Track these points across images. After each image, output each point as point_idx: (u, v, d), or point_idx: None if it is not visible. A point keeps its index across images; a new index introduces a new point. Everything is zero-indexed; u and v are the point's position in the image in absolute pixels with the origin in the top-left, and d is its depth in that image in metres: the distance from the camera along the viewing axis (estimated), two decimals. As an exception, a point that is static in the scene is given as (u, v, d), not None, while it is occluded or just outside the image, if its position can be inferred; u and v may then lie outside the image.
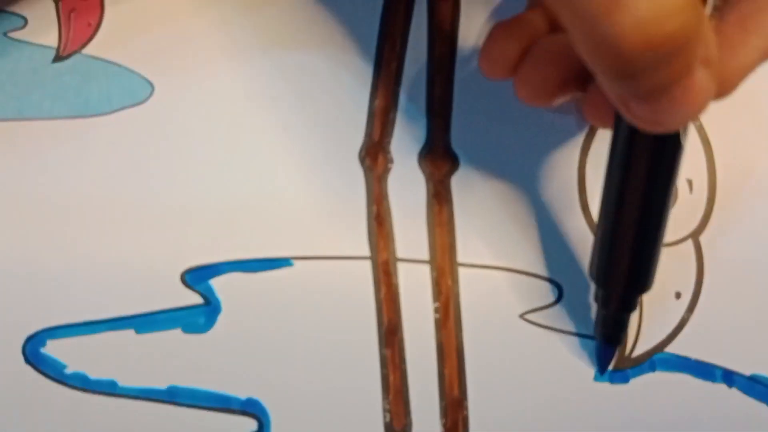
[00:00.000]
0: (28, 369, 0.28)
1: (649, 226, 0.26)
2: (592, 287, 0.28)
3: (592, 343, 0.29)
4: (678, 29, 0.19)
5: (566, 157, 0.30)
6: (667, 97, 0.20)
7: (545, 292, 0.29)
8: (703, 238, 0.30)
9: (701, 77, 0.20)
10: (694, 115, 0.21)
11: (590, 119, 0.27)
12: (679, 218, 0.30)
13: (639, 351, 0.30)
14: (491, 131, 0.30)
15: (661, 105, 0.21)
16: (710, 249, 0.30)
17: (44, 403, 0.28)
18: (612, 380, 0.29)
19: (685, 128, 0.24)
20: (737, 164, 0.31)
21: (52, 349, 0.29)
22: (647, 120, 0.22)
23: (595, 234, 0.27)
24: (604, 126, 0.26)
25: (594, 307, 0.29)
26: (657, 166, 0.25)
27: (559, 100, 0.27)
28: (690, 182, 0.30)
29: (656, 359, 0.30)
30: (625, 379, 0.30)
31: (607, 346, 0.29)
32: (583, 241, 0.30)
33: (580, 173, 0.30)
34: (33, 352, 0.29)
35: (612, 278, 0.27)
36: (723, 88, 0.23)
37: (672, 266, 0.30)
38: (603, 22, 0.19)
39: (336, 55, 0.30)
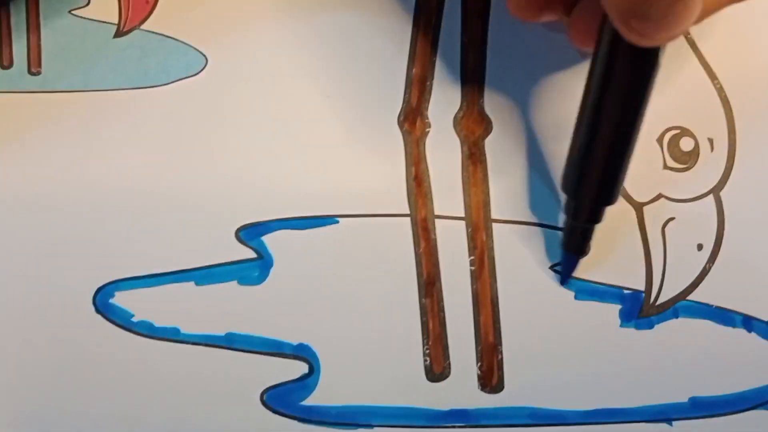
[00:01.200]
0: (99, 318, 0.31)
1: (621, 141, 0.27)
2: (563, 199, 0.30)
3: (619, 291, 0.31)
4: None
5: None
6: (671, 12, 0.23)
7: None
8: (724, 194, 0.32)
9: None
10: (685, 30, 0.24)
11: (575, 40, 0.29)
12: (701, 175, 0.32)
13: (663, 299, 0.32)
14: (523, 95, 0.32)
15: (663, 20, 0.23)
16: (730, 203, 0.32)
17: (113, 349, 0.31)
18: (637, 326, 0.31)
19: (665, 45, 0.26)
20: (755, 123, 0.32)
21: (120, 299, 0.31)
22: (644, 34, 0.24)
23: (569, 148, 0.29)
24: (586, 46, 0.28)
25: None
26: (635, 81, 0.26)
27: (546, 17, 0.29)
28: (711, 141, 0.32)
29: (679, 306, 0.32)
30: (650, 326, 0.32)
31: (572, 255, 0.31)
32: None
33: (606, 134, 0.32)
34: (102, 302, 0.31)
35: (583, 190, 0.29)
36: (702, 14, 0.25)
37: (694, 220, 0.31)
38: None
39: (376, 26, 0.32)
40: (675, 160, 0.32)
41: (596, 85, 0.27)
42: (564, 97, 0.32)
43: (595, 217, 0.30)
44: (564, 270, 0.31)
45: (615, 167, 0.28)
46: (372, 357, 0.31)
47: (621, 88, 0.26)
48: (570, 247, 0.31)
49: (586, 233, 0.30)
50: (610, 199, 0.29)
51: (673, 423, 0.31)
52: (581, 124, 0.28)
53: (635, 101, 0.27)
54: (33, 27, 0.32)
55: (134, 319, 0.31)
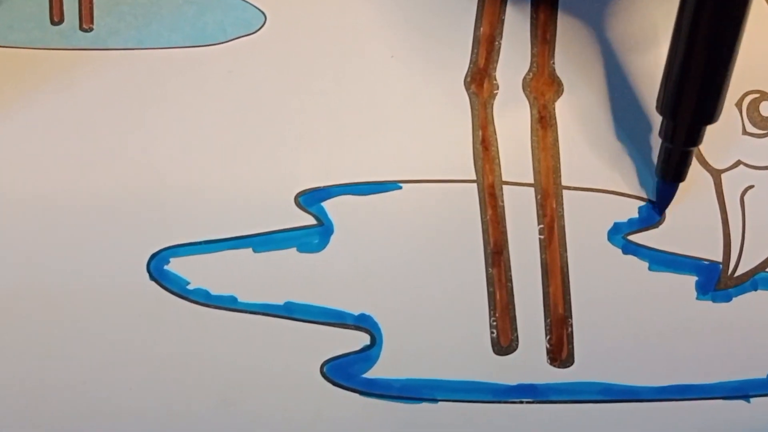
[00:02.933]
0: (153, 285, 0.30)
1: (719, 54, 0.26)
2: (656, 127, 0.29)
3: (695, 262, 0.30)
4: None
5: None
6: None
7: (650, 214, 0.30)
8: (807, 160, 0.30)
9: None
10: None
11: None
12: (783, 140, 0.30)
13: (741, 271, 0.30)
14: (595, 56, 0.30)
15: None
16: (813, 171, 0.30)
17: (168, 317, 0.30)
18: (714, 299, 0.30)
19: None
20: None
21: (176, 266, 0.30)
22: None
23: (665, 67, 0.27)
24: None
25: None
26: None
27: None
28: (793, 105, 0.30)
29: (758, 278, 0.30)
30: (728, 298, 0.30)
31: (669, 183, 0.30)
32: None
33: (683, 98, 0.31)
34: (157, 269, 0.30)
35: (681, 108, 0.27)
36: None
37: (776, 187, 0.30)
38: None
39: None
40: (755, 125, 0.30)
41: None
42: (640, 59, 0.30)
43: (694, 138, 0.28)
44: (660, 200, 0.30)
45: (715, 82, 0.27)
46: (436, 329, 0.30)
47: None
48: (667, 174, 0.29)
49: (685, 158, 0.29)
50: (710, 118, 0.27)
51: (751, 400, 0.30)
52: (679, 37, 0.26)
53: (735, 8, 0.25)
54: (85, -18, 0.31)
55: (190, 287, 0.30)
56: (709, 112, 0.27)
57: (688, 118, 0.27)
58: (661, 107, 0.28)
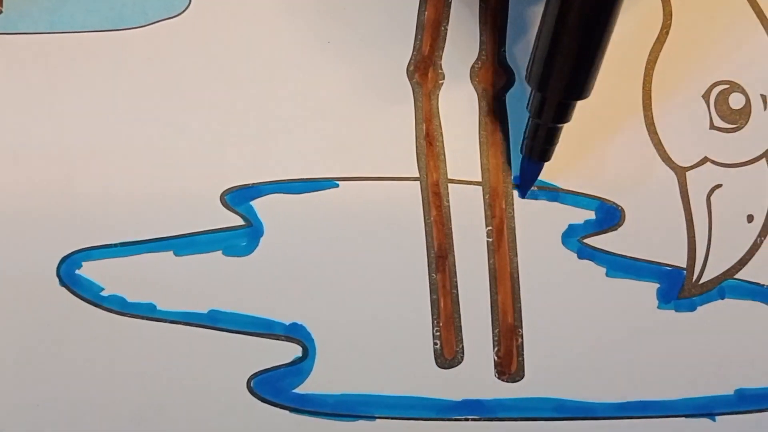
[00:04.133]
0: (63, 291, 0.28)
1: (595, 28, 0.24)
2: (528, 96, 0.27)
3: (657, 268, 0.28)
4: None
5: (630, 74, 0.28)
6: None
7: (607, 215, 0.28)
8: (778, 158, 0.28)
9: None
10: None
11: None
12: (752, 136, 0.28)
13: (707, 277, 0.28)
14: (549, 43, 0.28)
15: None
16: (785, 169, 0.28)
17: (80, 326, 0.28)
18: (677, 308, 0.28)
19: None
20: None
21: (89, 270, 0.28)
22: None
23: (536, 38, 0.25)
24: None
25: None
26: None
27: None
28: (764, 97, 0.28)
29: (725, 286, 0.28)
30: (692, 307, 0.28)
31: (534, 162, 0.28)
32: (648, 163, 0.28)
33: (645, 90, 0.28)
34: (68, 273, 0.28)
35: (551, 81, 0.25)
36: None
37: (743, 187, 0.28)
38: None
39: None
40: (723, 118, 0.28)
41: None
42: (597, 46, 0.28)
43: (563, 114, 0.26)
44: (523, 180, 0.28)
45: (588, 54, 0.25)
46: (374, 339, 0.28)
47: None
48: (533, 152, 0.27)
49: (552, 135, 0.27)
50: (581, 92, 0.26)
51: (717, 418, 0.28)
52: (550, 3, 0.24)
53: None
54: (-7, -40, 0.28)
55: (104, 293, 0.28)
56: (581, 86, 0.25)
57: (558, 91, 0.25)
58: (529, 78, 0.26)
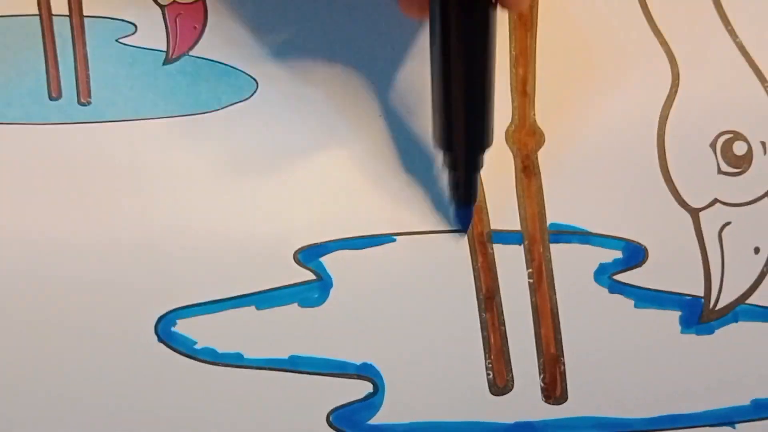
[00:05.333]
0: (161, 347, 0.31)
1: (476, 88, 0.28)
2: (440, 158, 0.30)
3: (678, 298, 0.32)
4: None
5: (646, 128, 0.32)
6: None
7: (633, 254, 0.32)
8: (779, 195, 0.32)
9: None
10: None
11: (405, 10, 0.28)
12: (755, 178, 0.32)
13: (722, 304, 0.32)
14: (573, 107, 0.32)
15: None
16: (786, 205, 0.32)
17: (177, 377, 0.31)
18: (698, 332, 0.32)
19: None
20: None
21: (182, 327, 0.31)
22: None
23: (432, 105, 0.29)
24: (418, 16, 0.28)
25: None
26: (474, 33, 0.27)
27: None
28: (764, 144, 0.32)
29: (739, 311, 0.32)
30: (711, 331, 0.32)
31: (463, 206, 0.31)
32: (665, 206, 0.32)
33: (660, 143, 0.32)
34: (165, 330, 0.31)
35: (454, 140, 0.29)
36: None
37: (750, 223, 0.32)
38: None
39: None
40: (729, 164, 0.32)
41: (438, 45, 0.27)
42: (617, 110, 0.32)
43: (475, 164, 0.30)
44: (460, 223, 0.31)
45: (476, 110, 0.28)
46: (435, 373, 0.31)
47: (462, 42, 0.27)
48: (459, 199, 0.31)
49: (471, 182, 0.30)
50: (482, 144, 0.29)
51: (736, 425, 0.32)
52: (436, 83, 0.28)
53: (478, 50, 0.27)
54: (80, 57, 0.32)
55: (197, 347, 0.31)
56: (480, 140, 0.29)
57: (463, 148, 0.29)
58: (436, 141, 0.29)
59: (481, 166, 0.30)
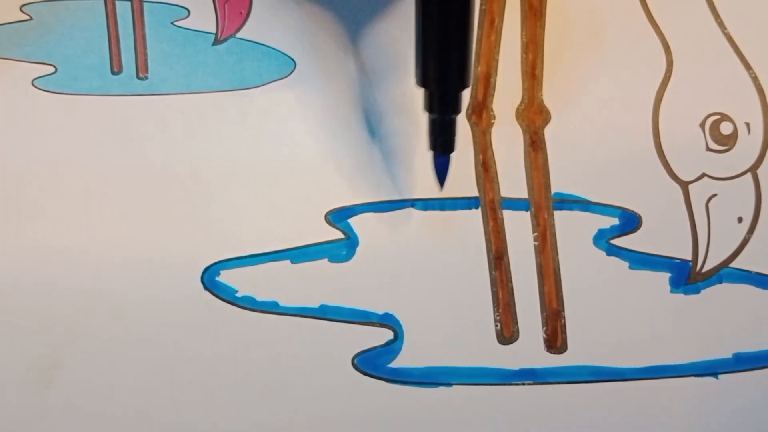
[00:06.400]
0: (207, 294, 0.35)
1: (452, 24, 0.28)
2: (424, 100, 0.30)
3: (668, 261, 0.35)
4: None
5: (642, 109, 0.35)
6: None
7: (628, 221, 0.35)
8: (761, 171, 0.35)
9: None
10: None
11: None
12: (740, 155, 0.35)
13: (708, 267, 0.35)
14: (577, 89, 0.36)
15: None
16: (767, 180, 0.35)
17: (220, 322, 0.35)
18: (686, 292, 0.35)
19: None
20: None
21: (225, 277, 0.35)
22: None
23: (415, 42, 0.29)
24: None
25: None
26: None
27: None
28: (748, 125, 0.35)
29: (723, 273, 0.35)
30: (697, 291, 0.35)
31: (441, 155, 0.31)
32: (658, 179, 0.35)
33: (654, 122, 0.35)
34: (210, 280, 0.35)
35: (434, 79, 0.29)
36: None
37: (734, 195, 0.35)
38: None
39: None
40: (716, 142, 0.35)
41: None
42: (615, 90, 0.35)
43: (453, 105, 0.30)
44: (437, 173, 0.32)
45: (458, 49, 0.29)
46: (449, 323, 0.35)
47: None
48: (436, 146, 0.31)
49: (450, 127, 0.30)
50: (462, 83, 0.29)
51: (719, 376, 0.35)
52: (418, 21, 0.29)
53: None
54: (139, 37, 0.36)
55: (238, 295, 0.35)
56: (455, 78, 0.29)
57: (438, 84, 0.29)
58: (416, 78, 0.29)
59: (458, 111, 0.30)
